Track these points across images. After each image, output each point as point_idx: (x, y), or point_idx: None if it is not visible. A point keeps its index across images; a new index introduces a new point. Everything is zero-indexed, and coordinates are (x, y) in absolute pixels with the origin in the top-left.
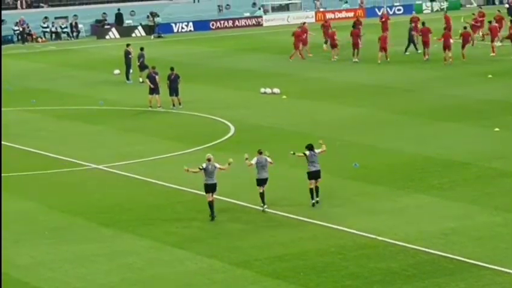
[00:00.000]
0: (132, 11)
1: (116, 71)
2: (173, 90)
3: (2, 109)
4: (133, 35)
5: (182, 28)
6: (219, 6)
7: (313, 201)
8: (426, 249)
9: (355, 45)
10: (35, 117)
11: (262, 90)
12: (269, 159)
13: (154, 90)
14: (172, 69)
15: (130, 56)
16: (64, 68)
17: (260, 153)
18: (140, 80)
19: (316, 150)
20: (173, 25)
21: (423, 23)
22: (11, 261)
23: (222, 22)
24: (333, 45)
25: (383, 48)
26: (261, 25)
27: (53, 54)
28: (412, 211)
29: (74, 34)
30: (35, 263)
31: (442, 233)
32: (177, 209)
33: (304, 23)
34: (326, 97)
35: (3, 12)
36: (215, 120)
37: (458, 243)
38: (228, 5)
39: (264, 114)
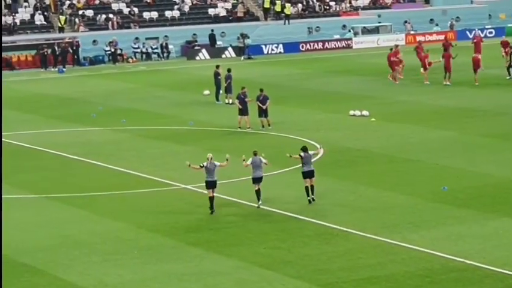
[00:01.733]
0: (222, 32)
1: (206, 92)
2: (262, 110)
3: (89, 128)
4: (223, 56)
5: (272, 50)
6: (309, 28)
7: (309, 198)
8: None
9: (446, 69)
10: (125, 137)
11: (351, 112)
12: (264, 160)
13: (243, 111)
14: (261, 90)
15: (219, 77)
16: (154, 88)
17: (255, 154)
18: (227, 101)
19: (311, 152)
20: (263, 47)
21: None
22: (100, 281)
23: (312, 44)
24: (425, 68)
25: (476, 70)
26: (351, 47)
27: (143, 74)
28: (501, 235)
29: (165, 55)
30: (123, 282)
31: None
32: (265, 229)
33: (397, 45)
34: (415, 120)
35: (94, 32)
36: (304, 142)
37: None
38: (318, 27)
39: (352, 137)
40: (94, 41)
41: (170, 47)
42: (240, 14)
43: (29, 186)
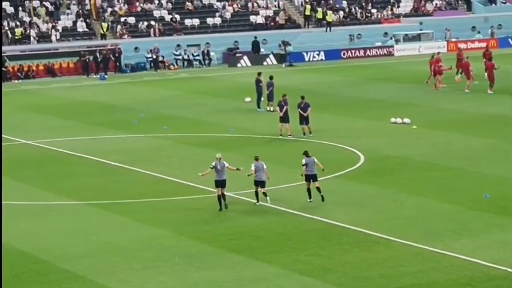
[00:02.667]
0: (264, 39)
1: (248, 99)
2: (303, 118)
3: (130, 135)
4: (265, 63)
5: (313, 57)
6: (350, 35)
7: (310, 200)
8: None
9: (490, 78)
10: (166, 144)
11: (393, 120)
12: (265, 166)
13: (284, 118)
14: (302, 97)
15: (261, 84)
16: (195, 95)
17: (256, 159)
18: (269, 108)
19: (315, 159)
20: (304, 54)
21: None
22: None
23: (353, 51)
24: (468, 77)
25: None
26: (392, 55)
27: (185, 81)
28: None
29: (206, 62)
30: None
31: None
32: (305, 237)
33: (438, 53)
34: (457, 127)
35: (136, 39)
36: (345, 149)
37: None
38: (359, 34)
39: (394, 144)
40: (136, 48)
41: (211, 54)
42: (281, 21)
43: (71, 192)
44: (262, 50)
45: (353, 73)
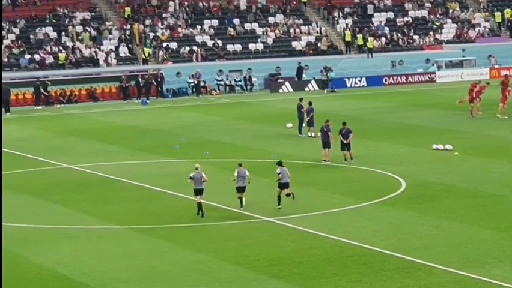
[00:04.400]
0: (306, 65)
1: (289, 125)
2: (344, 144)
3: (172, 160)
4: (306, 89)
5: (355, 83)
6: (392, 61)
7: (279, 207)
8: None
9: None
10: (207, 169)
11: (435, 146)
12: (247, 173)
13: (326, 144)
14: (344, 123)
15: (302, 110)
16: (237, 120)
17: (240, 165)
18: (309, 134)
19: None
20: (346, 80)
21: None
22: None
23: (395, 78)
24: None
25: None
26: (434, 81)
27: (226, 106)
28: None
29: (248, 87)
30: None
31: None
32: (347, 263)
33: (479, 81)
34: (499, 154)
35: (178, 64)
36: (386, 175)
37: None
38: (401, 60)
39: (435, 171)
40: (178, 73)
41: (253, 79)
42: (323, 47)
43: (113, 217)
44: (304, 75)
45: (395, 99)
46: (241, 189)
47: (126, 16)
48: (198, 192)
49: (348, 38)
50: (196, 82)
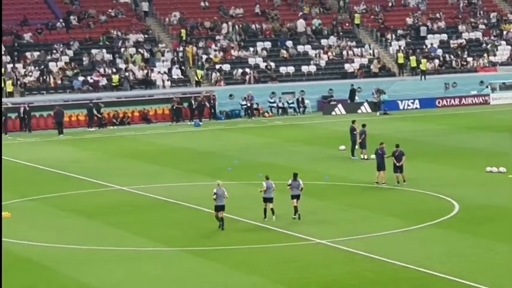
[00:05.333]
0: (359, 87)
1: (342, 147)
2: (397, 166)
3: (225, 182)
4: (359, 111)
5: (408, 105)
6: (445, 84)
7: (295, 216)
8: None
9: None
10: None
11: (488, 169)
12: (273, 185)
13: (380, 166)
14: (397, 146)
15: (355, 132)
16: (289, 142)
17: (267, 178)
18: (362, 156)
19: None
20: (399, 102)
21: None
22: None
23: (449, 100)
24: None
25: None
26: (488, 103)
27: (279, 129)
28: None
29: (301, 109)
30: None
31: None
32: (400, 285)
33: None
34: None
35: (231, 87)
36: (439, 198)
37: None
38: (454, 82)
39: (489, 193)
40: (231, 95)
41: (306, 101)
42: (375, 70)
43: (165, 239)
44: (356, 98)
45: (448, 122)
46: (268, 200)
47: (181, 38)
48: (220, 208)
49: (401, 60)
50: (249, 104)
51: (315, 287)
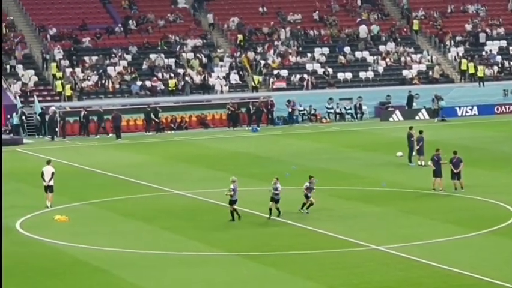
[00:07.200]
0: (417, 93)
1: (399, 153)
2: (455, 173)
3: (282, 187)
4: (417, 117)
5: (466, 112)
6: (504, 90)
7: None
8: None
9: None
10: (317, 197)
11: None
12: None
13: (437, 173)
14: (455, 153)
15: (412, 138)
16: (347, 148)
17: (277, 179)
18: (419, 163)
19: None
20: (457, 109)
21: None
22: None
23: (507, 107)
24: None
25: None
26: None
27: (336, 134)
28: None
29: (358, 115)
30: None
31: None
32: None
33: None
34: None
35: (289, 92)
36: (497, 205)
37: None
38: None
39: None
40: (289, 101)
41: (363, 107)
42: (435, 76)
43: (222, 244)
44: (414, 104)
45: (507, 128)
46: (275, 200)
47: (239, 43)
48: (234, 202)
49: (463, 67)
50: (290, 110)
51: None
